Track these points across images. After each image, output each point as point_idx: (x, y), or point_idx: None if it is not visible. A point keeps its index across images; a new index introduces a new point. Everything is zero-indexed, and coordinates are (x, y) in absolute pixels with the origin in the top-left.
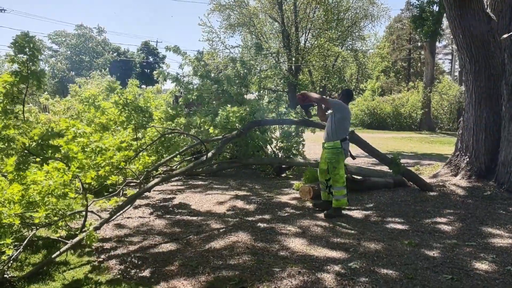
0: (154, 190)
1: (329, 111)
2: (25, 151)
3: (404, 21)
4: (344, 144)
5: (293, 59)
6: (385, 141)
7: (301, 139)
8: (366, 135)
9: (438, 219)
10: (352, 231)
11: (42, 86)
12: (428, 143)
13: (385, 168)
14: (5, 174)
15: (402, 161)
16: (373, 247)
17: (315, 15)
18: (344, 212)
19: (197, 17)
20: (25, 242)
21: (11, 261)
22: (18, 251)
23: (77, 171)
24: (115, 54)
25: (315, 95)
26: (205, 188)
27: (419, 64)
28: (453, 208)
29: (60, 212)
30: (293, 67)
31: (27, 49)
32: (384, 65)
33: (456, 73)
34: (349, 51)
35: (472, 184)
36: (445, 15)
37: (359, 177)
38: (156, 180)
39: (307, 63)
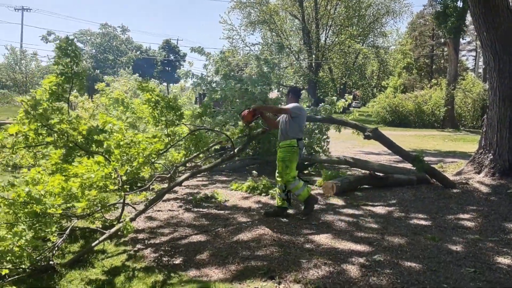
0: (180, 185)
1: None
2: (74, 144)
3: (427, 17)
4: (300, 144)
5: (313, 56)
6: (407, 139)
7: (325, 136)
8: (388, 132)
9: (461, 215)
10: (376, 226)
11: (84, 85)
12: (451, 141)
13: (408, 166)
14: (44, 168)
15: (425, 159)
16: (396, 241)
17: (336, 11)
18: (367, 208)
19: (218, 15)
20: (68, 230)
21: (56, 249)
22: (62, 239)
23: (116, 164)
24: (138, 52)
25: (274, 107)
26: (229, 183)
27: (442, 61)
28: (476, 205)
29: (101, 203)
30: (313, 64)
31: (70, 52)
32: (406, 61)
33: (480, 70)
34: (370, 48)
35: (495, 182)
36: (469, 11)
37: (381, 174)
38: (186, 174)
39: (327, 60)
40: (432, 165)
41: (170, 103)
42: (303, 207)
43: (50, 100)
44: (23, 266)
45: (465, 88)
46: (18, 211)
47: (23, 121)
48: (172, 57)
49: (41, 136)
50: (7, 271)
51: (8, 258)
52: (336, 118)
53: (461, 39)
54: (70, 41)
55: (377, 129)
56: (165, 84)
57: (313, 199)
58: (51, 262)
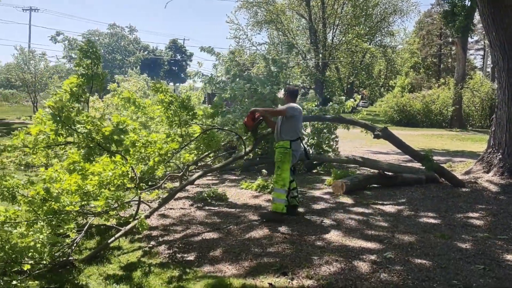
0: (192, 184)
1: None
2: (97, 144)
3: (435, 16)
4: (294, 145)
5: (320, 55)
6: (415, 138)
7: (334, 135)
8: (396, 132)
9: (470, 214)
10: (386, 224)
11: (103, 86)
12: (460, 141)
13: (416, 165)
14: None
15: (434, 158)
16: (406, 239)
17: (343, 10)
18: (376, 206)
19: (224, 15)
20: (86, 227)
21: (74, 245)
22: (80, 235)
23: (133, 163)
24: (145, 52)
25: (270, 109)
26: (239, 182)
27: (450, 60)
28: (485, 204)
29: (119, 201)
30: (320, 63)
31: (90, 54)
32: (414, 61)
33: (489, 69)
34: (377, 47)
35: (504, 181)
36: (477, 11)
37: (390, 173)
38: (198, 173)
39: (334, 59)
40: (440, 164)
41: (184, 103)
42: (266, 211)
43: (71, 101)
44: (44, 262)
45: (473, 88)
46: (37, 209)
47: (44, 121)
48: (178, 57)
49: (61, 136)
50: (29, 266)
51: (29, 254)
52: (345, 118)
53: (469, 38)
54: (91, 44)
55: (386, 128)
56: (171, 84)
57: (280, 218)
58: (70, 258)
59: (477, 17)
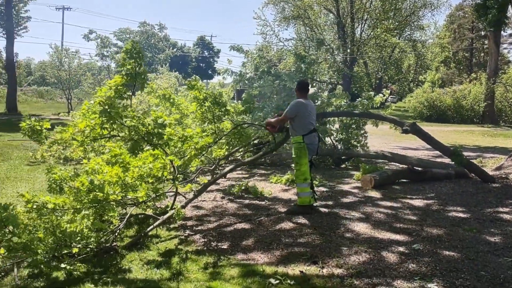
0: (224, 177)
1: None
2: (141, 137)
3: (466, 9)
4: (307, 139)
5: (348, 50)
6: (445, 134)
7: (362, 131)
8: (425, 128)
9: (500, 209)
10: (414, 218)
11: (145, 84)
12: (491, 137)
13: (446, 160)
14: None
15: (464, 154)
16: (435, 232)
17: (371, 5)
18: (405, 200)
19: (251, 10)
20: (128, 216)
21: (117, 231)
22: (123, 223)
23: (172, 157)
24: (174, 50)
25: (278, 119)
26: (268, 176)
27: (482, 54)
28: None
29: (158, 192)
30: (348, 59)
31: (134, 54)
32: (445, 55)
33: None
34: (407, 42)
35: None
36: (511, 4)
37: (419, 169)
38: (230, 166)
39: (362, 54)
40: (470, 160)
41: (217, 100)
42: (294, 205)
43: (115, 98)
44: (91, 246)
45: (506, 83)
46: (82, 198)
47: (88, 117)
48: (206, 54)
49: (105, 130)
50: (77, 250)
51: (77, 239)
52: (373, 113)
53: (502, 32)
54: (134, 44)
55: (415, 123)
56: (205, 81)
57: (307, 210)
58: (113, 244)
59: (510, 10)
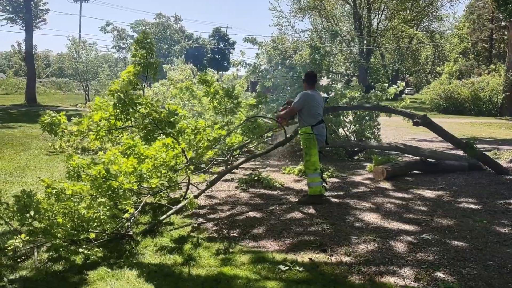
0: (237, 168)
1: None
2: (155, 126)
3: (486, 0)
4: (316, 129)
5: (365, 42)
6: (462, 126)
7: (376, 123)
8: (442, 120)
9: None
10: (425, 209)
11: (157, 74)
12: (509, 129)
13: (460, 152)
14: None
15: (480, 146)
16: (445, 222)
17: None
18: (416, 191)
19: (267, 2)
20: (142, 204)
21: (133, 218)
22: (137, 210)
23: (184, 146)
24: (190, 41)
25: (288, 111)
26: (281, 167)
27: (502, 45)
28: None
29: (171, 180)
30: (364, 50)
31: (145, 45)
32: (463, 46)
33: None
34: (424, 33)
35: None
36: None
37: (432, 160)
38: (243, 158)
39: (379, 45)
40: (485, 152)
41: (229, 92)
42: (304, 195)
43: (128, 88)
44: (107, 231)
45: None
46: (99, 186)
47: (103, 108)
48: (221, 45)
49: (120, 121)
50: (94, 235)
51: (94, 225)
52: (384, 106)
53: None
54: (145, 35)
55: (426, 115)
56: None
57: (318, 199)
58: (128, 230)
59: None
